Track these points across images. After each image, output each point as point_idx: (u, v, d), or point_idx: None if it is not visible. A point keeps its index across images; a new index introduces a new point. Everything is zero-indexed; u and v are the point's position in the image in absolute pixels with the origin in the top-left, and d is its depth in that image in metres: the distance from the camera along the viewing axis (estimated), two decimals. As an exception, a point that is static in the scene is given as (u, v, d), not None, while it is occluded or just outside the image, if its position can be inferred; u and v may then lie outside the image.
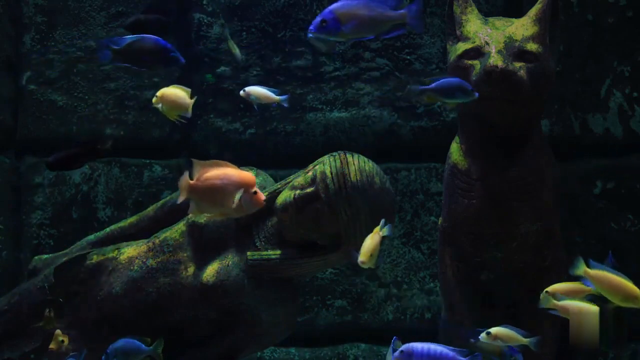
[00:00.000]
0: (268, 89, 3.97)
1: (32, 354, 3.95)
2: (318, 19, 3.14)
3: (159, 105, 3.57)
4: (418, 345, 3.19)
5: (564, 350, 3.99)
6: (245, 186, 3.06)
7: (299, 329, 4.26)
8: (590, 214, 4.79)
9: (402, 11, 3.17)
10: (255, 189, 3.07)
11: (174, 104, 3.57)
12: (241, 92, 3.95)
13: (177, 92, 3.58)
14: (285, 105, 3.95)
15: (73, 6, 4.92)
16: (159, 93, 3.58)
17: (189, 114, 3.58)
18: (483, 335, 3.51)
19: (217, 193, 3.07)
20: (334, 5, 3.15)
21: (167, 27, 3.89)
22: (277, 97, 3.92)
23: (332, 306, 4.88)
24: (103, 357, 3.59)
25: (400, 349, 3.19)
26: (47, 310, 3.83)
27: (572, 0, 4.81)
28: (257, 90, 3.94)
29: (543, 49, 3.76)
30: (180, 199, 3.12)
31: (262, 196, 3.08)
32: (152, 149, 4.96)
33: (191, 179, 3.10)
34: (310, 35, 3.18)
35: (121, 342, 3.59)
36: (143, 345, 3.59)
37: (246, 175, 3.09)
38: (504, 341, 3.52)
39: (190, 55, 4.93)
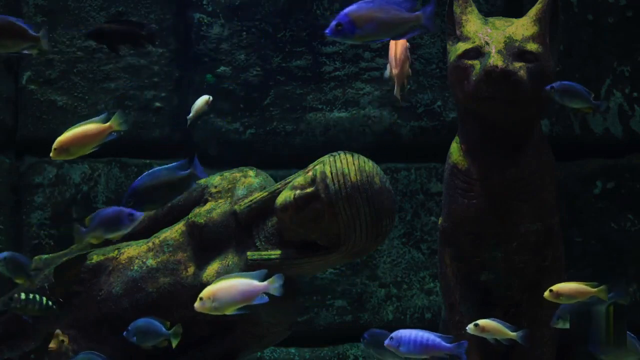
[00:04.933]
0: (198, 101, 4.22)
1: (32, 354, 3.94)
2: (333, 22, 3.09)
3: (65, 156, 3.41)
4: (406, 332, 3.38)
5: (564, 350, 3.99)
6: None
7: (299, 329, 4.26)
8: (590, 214, 4.79)
9: (417, 13, 3.13)
10: None
11: (81, 142, 3.43)
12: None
13: (73, 132, 3.43)
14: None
15: (73, 6, 4.92)
16: (55, 145, 3.42)
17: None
18: (470, 326, 3.53)
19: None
20: (349, 8, 3.10)
21: (135, 38, 3.67)
22: (206, 97, 4.12)
23: (332, 306, 4.87)
24: (124, 332, 3.60)
25: (390, 335, 3.41)
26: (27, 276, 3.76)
27: (572, 0, 4.81)
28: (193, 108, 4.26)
29: (543, 49, 3.76)
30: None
31: None
32: (152, 149, 4.96)
33: None
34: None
35: (142, 321, 3.60)
36: (163, 328, 3.59)
37: None
38: (491, 333, 3.54)
39: (190, 55, 4.93)
